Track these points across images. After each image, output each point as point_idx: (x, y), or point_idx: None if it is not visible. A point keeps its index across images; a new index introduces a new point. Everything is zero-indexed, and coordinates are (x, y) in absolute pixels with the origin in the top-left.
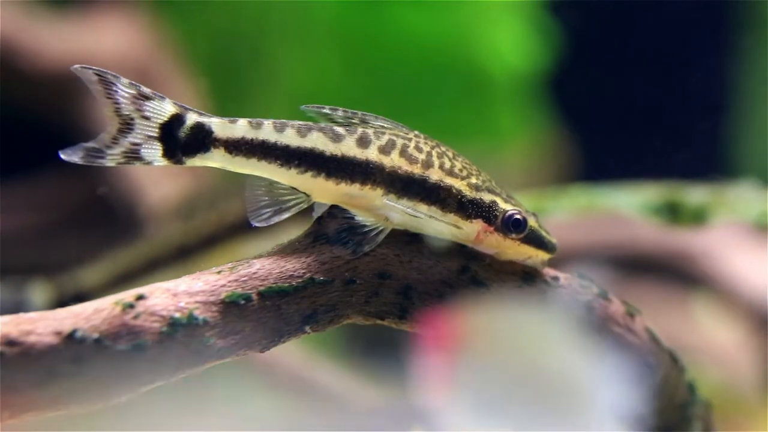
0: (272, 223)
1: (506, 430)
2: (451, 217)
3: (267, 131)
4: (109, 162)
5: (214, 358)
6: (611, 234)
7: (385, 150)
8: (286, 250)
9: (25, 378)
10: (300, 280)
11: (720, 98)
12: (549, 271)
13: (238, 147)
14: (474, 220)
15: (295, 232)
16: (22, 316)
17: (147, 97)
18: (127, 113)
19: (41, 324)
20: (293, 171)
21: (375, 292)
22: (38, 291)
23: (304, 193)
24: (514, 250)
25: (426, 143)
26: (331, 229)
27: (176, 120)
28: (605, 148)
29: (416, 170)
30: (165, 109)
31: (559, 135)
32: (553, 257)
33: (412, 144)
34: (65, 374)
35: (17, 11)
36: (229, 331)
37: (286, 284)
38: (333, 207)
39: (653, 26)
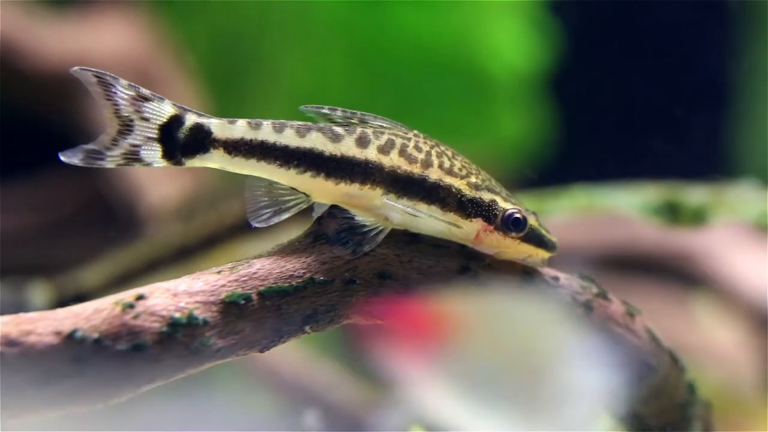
0: (272, 223)
1: (489, 420)
2: (451, 217)
3: (266, 132)
4: (109, 164)
5: (214, 358)
6: (611, 234)
7: (384, 149)
8: (286, 250)
9: (25, 378)
10: (300, 280)
11: (720, 98)
12: (549, 271)
13: (237, 148)
14: (474, 219)
15: (295, 232)
16: (22, 316)
17: (146, 99)
18: (127, 115)
19: (41, 324)
20: (292, 171)
21: (375, 292)
22: (38, 291)
23: (304, 193)
24: (514, 248)
25: (425, 142)
26: (331, 229)
27: (175, 121)
28: (605, 148)
29: (415, 169)
30: (164, 110)
31: (559, 135)
32: (553, 256)
33: (412, 143)
34: (65, 374)
35: (17, 11)
36: (229, 331)
37: (286, 284)
38: (333, 207)
39: (653, 26)
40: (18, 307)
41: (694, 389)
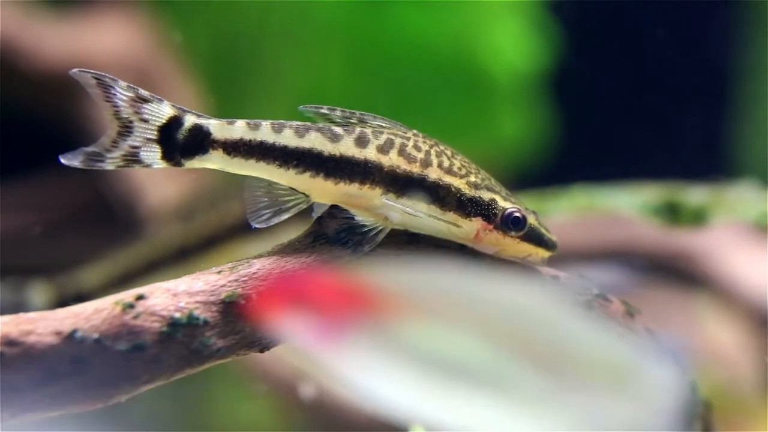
0: (272, 224)
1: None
2: (451, 216)
3: (265, 132)
4: (109, 165)
5: (214, 358)
6: (611, 234)
7: (383, 149)
8: (286, 250)
9: (25, 378)
10: None
11: (720, 98)
12: (548, 271)
13: (236, 148)
14: (473, 219)
15: (295, 232)
16: (22, 316)
17: (145, 100)
18: (126, 116)
19: (41, 324)
20: (292, 171)
21: None
22: (38, 291)
23: (303, 193)
24: (514, 248)
25: (424, 142)
26: (330, 229)
27: (174, 122)
28: (605, 148)
29: (415, 169)
30: (163, 111)
31: (559, 135)
32: (553, 255)
33: (411, 143)
34: (65, 374)
35: (17, 11)
36: (229, 331)
37: None
38: (332, 207)
39: (653, 26)
40: (18, 307)
41: (694, 389)
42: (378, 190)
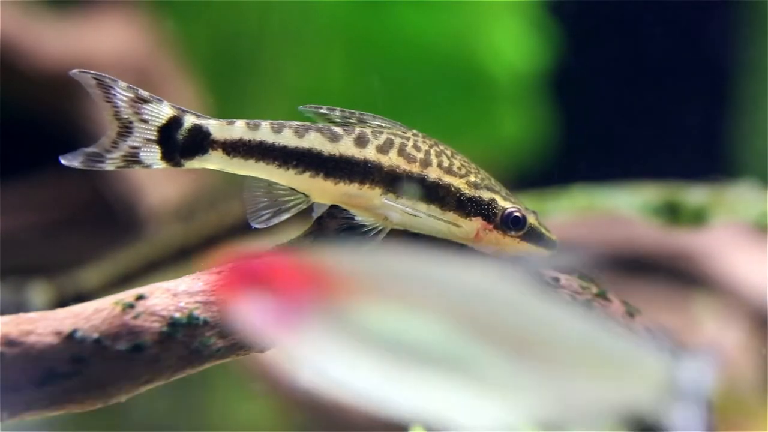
0: (272, 224)
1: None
2: (451, 216)
3: (264, 132)
4: (109, 166)
5: (214, 358)
6: (611, 234)
7: (383, 149)
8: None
9: (25, 378)
10: None
11: (720, 98)
12: (549, 271)
13: (235, 148)
14: (473, 218)
15: (295, 232)
16: (22, 316)
17: (145, 100)
18: (126, 116)
19: (41, 324)
20: (291, 171)
21: None
22: (38, 291)
23: (303, 193)
24: (514, 247)
25: (424, 142)
26: (330, 229)
27: (174, 122)
28: (605, 148)
29: (414, 169)
30: (162, 111)
31: (559, 135)
32: (552, 255)
33: (410, 143)
34: (65, 374)
35: (17, 11)
36: (229, 331)
37: None
38: (332, 207)
39: (653, 26)
40: (18, 307)
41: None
42: (378, 190)
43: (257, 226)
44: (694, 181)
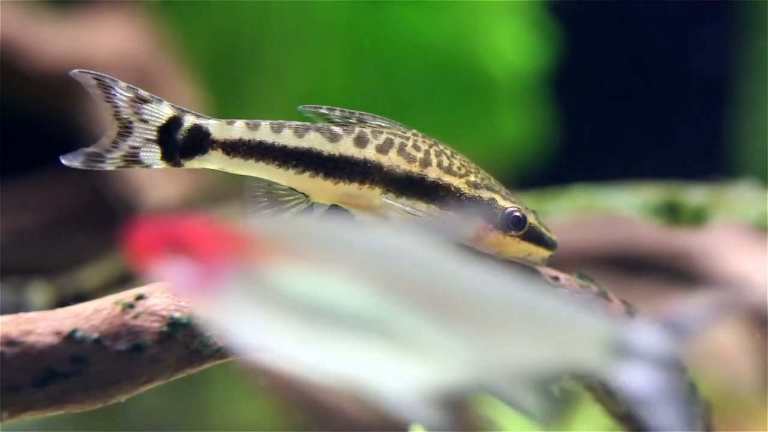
0: None
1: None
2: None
3: (264, 132)
4: (109, 166)
5: (214, 358)
6: (611, 234)
7: (382, 149)
8: None
9: (25, 378)
10: None
11: (720, 98)
12: (549, 271)
13: (235, 148)
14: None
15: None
16: (22, 316)
17: (144, 101)
18: (126, 117)
19: (41, 324)
20: (291, 171)
21: None
22: (38, 291)
23: (303, 193)
24: (514, 247)
25: (424, 141)
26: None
27: (174, 122)
28: (605, 148)
29: (414, 168)
30: (162, 111)
31: (559, 135)
32: (553, 255)
33: (410, 142)
34: (65, 374)
35: (17, 11)
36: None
37: None
38: (333, 207)
39: (653, 26)
40: (18, 307)
41: (694, 389)
42: (377, 190)
43: None
44: (694, 181)
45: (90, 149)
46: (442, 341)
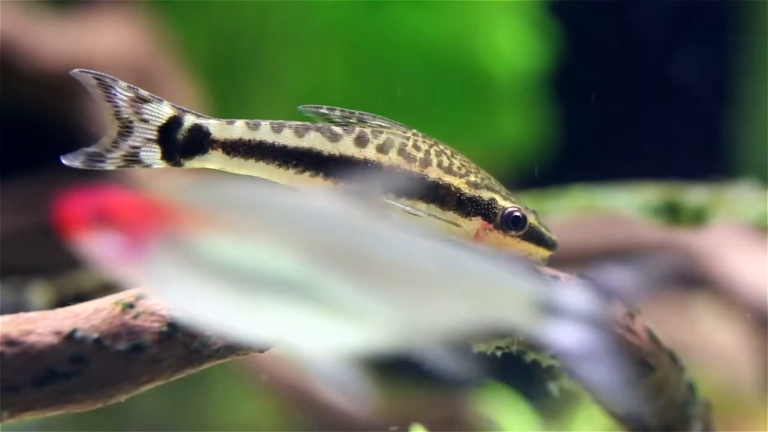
0: None
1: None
2: (450, 215)
3: (264, 132)
4: (109, 166)
5: (214, 358)
6: (611, 234)
7: (383, 149)
8: None
9: (25, 378)
10: None
11: (720, 98)
12: (549, 271)
13: (235, 148)
14: (473, 218)
15: None
16: (22, 316)
17: (145, 100)
18: (126, 116)
19: (41, 324)
20: (291, 171)
21: None
22: (38, 291)
23: None
24: (514, 247)
25: (424, 141)
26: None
27: (174, 122)
28: (605, 148)
29: (414, 168)
30: (163, 111)
31: (559, 135)
32: (553, 255)
33: (410, 142)
34: (65, 374)
35: (17, 11)
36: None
37: None
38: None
39: (653, 26)
40: (18, 307)
41: (693, 389)
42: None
43: None
44: (694, 181)
45: (90, 149)
46: (368, 304)
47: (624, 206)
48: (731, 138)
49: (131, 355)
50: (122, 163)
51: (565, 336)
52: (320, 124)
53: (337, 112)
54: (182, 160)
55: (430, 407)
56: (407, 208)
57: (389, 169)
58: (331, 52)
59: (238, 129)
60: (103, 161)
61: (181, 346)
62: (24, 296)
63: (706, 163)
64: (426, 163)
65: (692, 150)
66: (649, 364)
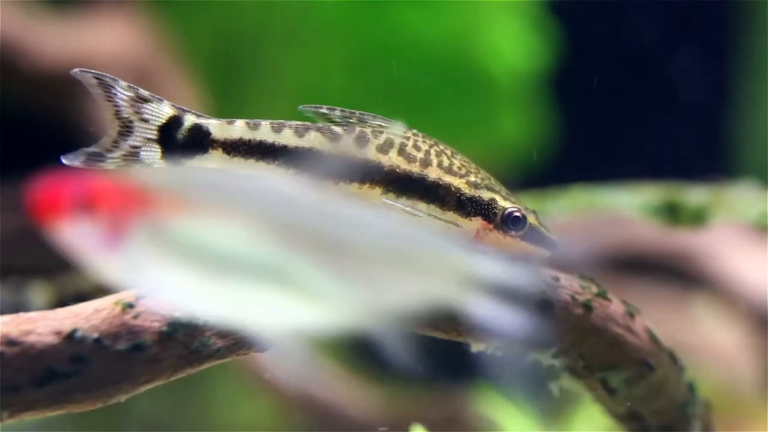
0: None
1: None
2: (450, 215)
3: (264, 132)
4: (110, 165)
5: (214, 358)
6: (611, 234)
7: (383, 149)
8: None
9: (25, 378)
10: None
11: (720, 98)
12: (549, 271)
13: (236, 148)
14: (473, 218)
15: None
16: (22, 315)
17: (145, 100)
18: (127, 116)
19: (41, 324)
20: (291, 171)
21: None
22: (38, 291)
23: None
24: (514, 247)
25: (424, 141)
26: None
27: (174, 122)
28: (605, 148)
29: (414, 168)
30: (163, 111)
31: (560, 135)
32: (553, 255)
33: (410, 142)
34: (65, 374)
35: (17, 11)
36: (229, 331)
37: None
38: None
39: (653, 26)
40: (18, 307)
41: (693, 389)
42: (378, 190)
43: None
44: (694, 181)
45: (91, 149)
46: (326, 283)
47: (624, 206)
48: (731, 138)
49: (131, 355)
50: (122, 163)
51: (492, 311)
52: (320, 124)
53: (337, 112)
54: (182, 159)
55: (430, 407)
56: (407, 208)
57: (389, 170)
58: (332, 52)
59: (238, 129)
60: (103, 161)
61: (181, 346)
62: (24, 296)
63: (706, 163)
64: (426, 163)
65: (692, 150)
66: (649, 364)
